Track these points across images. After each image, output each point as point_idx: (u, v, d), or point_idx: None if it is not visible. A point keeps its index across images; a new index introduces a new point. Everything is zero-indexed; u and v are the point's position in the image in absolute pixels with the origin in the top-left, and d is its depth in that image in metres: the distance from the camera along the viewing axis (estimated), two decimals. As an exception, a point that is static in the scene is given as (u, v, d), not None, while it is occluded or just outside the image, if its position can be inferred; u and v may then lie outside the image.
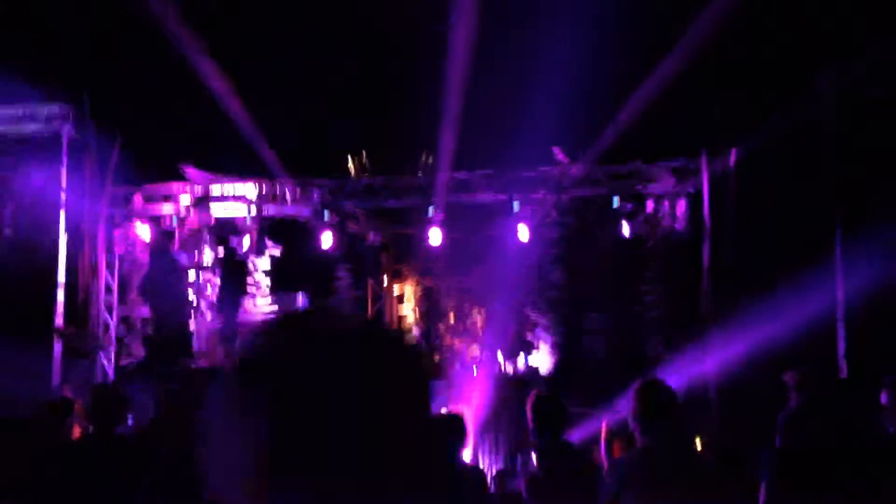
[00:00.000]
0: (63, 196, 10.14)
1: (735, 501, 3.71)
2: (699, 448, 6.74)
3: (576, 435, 8.24)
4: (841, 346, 8.11)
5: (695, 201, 8.91)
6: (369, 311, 13.24)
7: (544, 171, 9.70)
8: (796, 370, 3.93)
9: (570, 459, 4.49)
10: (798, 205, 8.41)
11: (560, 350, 9.66)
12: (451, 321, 11.82)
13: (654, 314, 9.07)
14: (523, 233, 9.66)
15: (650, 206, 9.15)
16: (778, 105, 8.24)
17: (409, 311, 12.79)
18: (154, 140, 10.61)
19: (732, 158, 8.60)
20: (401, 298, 13.03)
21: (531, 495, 4.32)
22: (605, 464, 7.14)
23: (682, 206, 8.99)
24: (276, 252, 11.09)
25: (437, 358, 11.29)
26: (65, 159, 10.35)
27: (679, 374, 7.57)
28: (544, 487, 4.31)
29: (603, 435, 7.22)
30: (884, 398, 4.11)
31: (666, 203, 9.08)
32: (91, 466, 4.61)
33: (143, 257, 10.89)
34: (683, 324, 8.72)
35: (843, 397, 3.85)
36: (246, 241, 10.61)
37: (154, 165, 10.63)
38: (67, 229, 10.29)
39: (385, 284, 13.34)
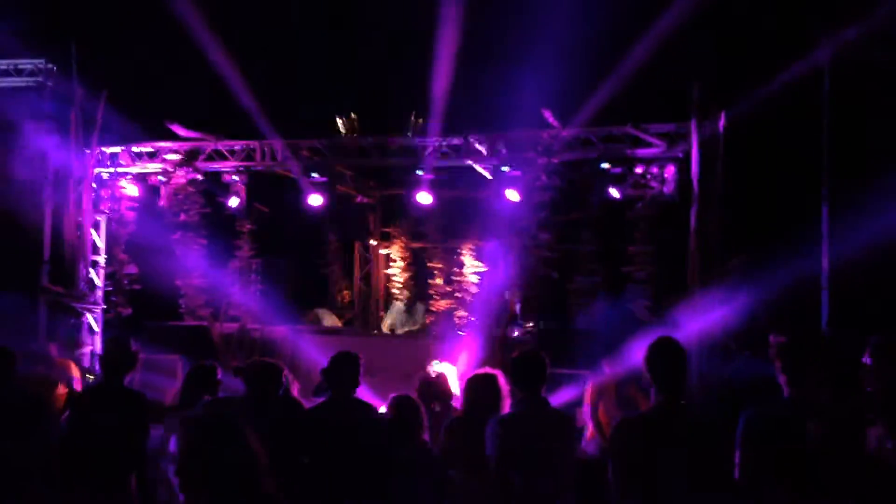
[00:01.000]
0: (48, 152, 10.04)
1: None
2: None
3: (563, 396, 8.34)
4: (825, 313, 8.19)
5: (684, 165, 8.92)
6: (357, 274, 13.27)
7: (534, 135, 9.66)
8: (782, 336, 3.96)
9: (544, 414, 4.54)
10: (786, 170, 8.45)
11: (548, 312, 9.72)
12: (441, 283, 11.86)
13: (641, 276, 9.13)
14: (513, 196, 9.65)
15: (639, 169, 9.16)
16: (770, 70, 8.23)
17: (397, 273, 12.81)
18: (141, 97, 10.51)
19: (722, 123, 8.59)
20: (389, 260, 13.04)
21: (496, 440, 4.38)
22: (590, 424, 7.24)
23: (670, 170, 8.99)
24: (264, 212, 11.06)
25: (428, 320, 11.35)
26: (49, 115, 10.23)
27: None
28: (511, 434, 4.37)
29: (588, 396, 7.30)
30: (866, 358, 4.20)
31: (655, 167, 9.09)
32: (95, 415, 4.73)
33: (130, 215, 10.84)
34: (670, 287, 8.80)
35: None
36: (234, 200, 10.55)
37: (141, 122, 10.53)
38: (53, 186, 10.21)
39: (374, 246, 13.34)
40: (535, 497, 4.33)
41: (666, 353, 3.70)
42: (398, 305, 11.65)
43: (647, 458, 3.57)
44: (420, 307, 11.53)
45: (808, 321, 7.99)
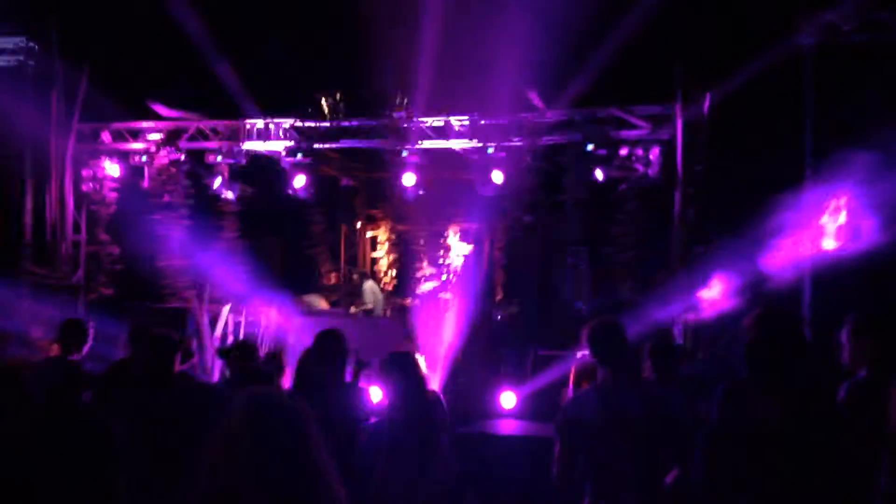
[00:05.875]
0: (28, 131, 9.94)
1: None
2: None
3: (545, 377, 8.37)
4: (807, 296, 8.22)
5: (669, 147, 8.92)
6: (342, 256, 13.26)
7: (519, 117, 9.64)
8: (754, 314, 4.01)
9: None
10: (770, 152, 8.44)
11: (531, 293, 9.73)
12: (425, 266, 11.85)
13: (624, 258, 9.14)
14: (497, 178, 9.63)
15: (624, 151, 9.15)
16: (753, 51, 8.21)
17: (382, 255, 12.80)
18: (123, 75, 10.39)
19: (706, 105, 8.59)
20: (374, 243, 13.03)
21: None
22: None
23: (655, 152, 8.99)
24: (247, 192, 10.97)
25: (409, 301, 11.34)
26: (30, 94, 10.12)
27: (648, 318, 7.67)
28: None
29: (571, 377, 7.31)
30: (843, 335, 4.22)
31: (640, 149, 9.08)
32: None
33: (112, 195, 10.75)
34: (653, 268, 8.82)
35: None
36: (217, 181, 10.48)
37: (122, 101, 10.42)
38: (33, 165, 10.12)
39: (358, 228, 13.32)
40: None
41: (609, 333, 3.90)
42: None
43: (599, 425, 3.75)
44: (368, 285, 11.47)
45: (790, 303, 8.01)
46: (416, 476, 4.76)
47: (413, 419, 4.79)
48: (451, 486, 5.02)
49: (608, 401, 3.78)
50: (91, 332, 5.69)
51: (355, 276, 11.79)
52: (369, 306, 11.18)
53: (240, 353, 5.15)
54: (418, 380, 4.89)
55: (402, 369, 4.87)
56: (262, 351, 6.72)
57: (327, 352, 4.75)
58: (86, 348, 5.69)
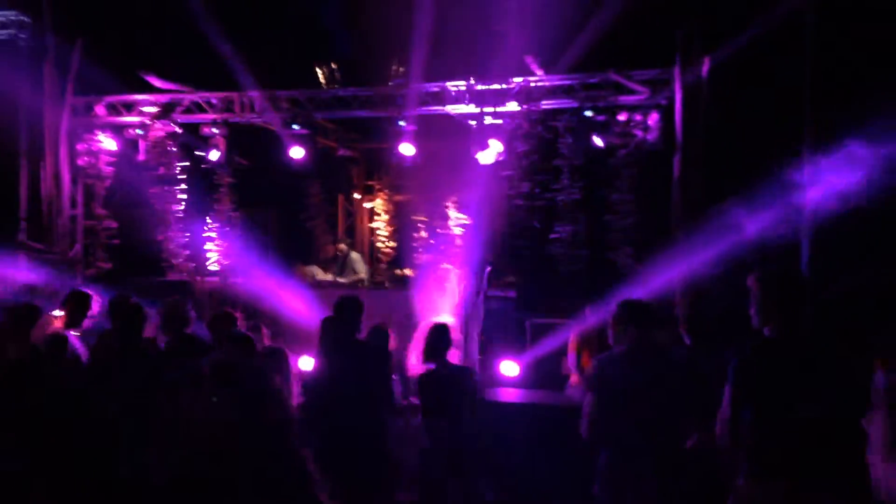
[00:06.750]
0: (22, 105, 9.86)
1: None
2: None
3: (547, 345, 8.37)
4: (804, 257, 8.20)
5: (667, 112, 8.83)
6: (340, 227, 13.20)
7: (516, 83, 9.54)
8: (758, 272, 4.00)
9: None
10: (770, 115, 8.38)
11: (529, 261, 9.69)
12: (424, 236, 11.78)
13: (624, 224, 9.08)
14: (495, 146, 9.55)
15: (623, 117, 9.06)
16: (753, 13, 8.11)
17: (381, 226, 12.75)
18: (116, 48, 10.28)
19: (705, 68, 8.49)
20: (373, 214, 12.97)
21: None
22: (574, 373, 7.26)
23: (654, 117, 8.89)
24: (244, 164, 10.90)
25: (410, 272, 11.31)
26: (23, 67, 10.03)
27: (647, 284, 7.65)
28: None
29: (572, 344, 7.30)
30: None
31: (638, 114, 8.99)
32: None
33: (108, 169, 10.68)
34: (653, 234, 8.77)
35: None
36: (213, 153, 10.39)
37: (116, 74, 10.30)
38: (28, 140, 10.05)
39: (356, 199, 13.27)
40: None
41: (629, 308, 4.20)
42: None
43: (625, 385, 3.92)
44: (355, 256, 11.59)
45: (787, 264, 7.99)
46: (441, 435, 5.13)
47: (440, 387, 5.18)
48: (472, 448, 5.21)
49: (637, 362, 3.95)
50: (95, 306, 5.73)
51: (342, 248, 11.83)
52: (362, 276, 11.25)
53: (222, 323, 5.36)
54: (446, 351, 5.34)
55: (438, 342, 5.28)
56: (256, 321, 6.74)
57: (346, 315, 4.93)
58: (86, 322, 5.69)
